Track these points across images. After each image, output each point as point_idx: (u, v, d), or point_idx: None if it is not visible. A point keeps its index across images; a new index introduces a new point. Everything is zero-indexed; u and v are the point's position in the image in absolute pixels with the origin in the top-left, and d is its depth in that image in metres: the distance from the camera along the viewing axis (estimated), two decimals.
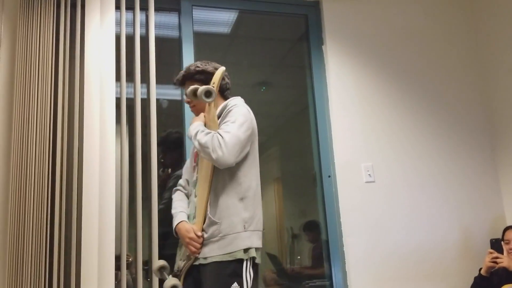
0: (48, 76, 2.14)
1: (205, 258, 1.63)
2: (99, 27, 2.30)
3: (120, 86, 2.35)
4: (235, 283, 1.56)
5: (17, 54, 2.14)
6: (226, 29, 3.00)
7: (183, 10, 2.65)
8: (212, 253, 1.63)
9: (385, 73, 2.90)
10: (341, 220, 2.61)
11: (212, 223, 1.66)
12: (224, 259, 1.60)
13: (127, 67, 2.35)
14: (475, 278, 2.50)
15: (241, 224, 1.64)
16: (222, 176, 1.72)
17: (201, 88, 1.69)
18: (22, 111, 2.09)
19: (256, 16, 3.02)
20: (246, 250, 1.62)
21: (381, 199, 2.69)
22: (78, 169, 2.12)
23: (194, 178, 1.81)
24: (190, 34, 2.62)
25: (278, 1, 2.85)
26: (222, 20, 2.93)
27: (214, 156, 1.64)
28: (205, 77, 1.84)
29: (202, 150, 1.67)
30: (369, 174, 2.69)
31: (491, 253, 2.43)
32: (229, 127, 1.70)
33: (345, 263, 2.56)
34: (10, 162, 2.07)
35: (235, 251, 1.61)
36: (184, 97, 1.91)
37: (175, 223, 1.75)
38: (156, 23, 2.53)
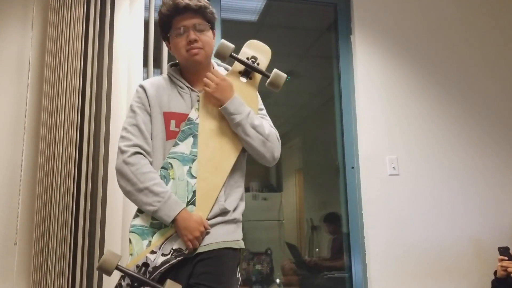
0: (78, 60, 2.17)
1: (206, 244, 1.35)
2: (128, 12, 2.32)
3: (147, 72, 2.38)
4: (238, 273, 1.41)
5: (48, 39, 2.18)
6: (253, 17, 2.99)
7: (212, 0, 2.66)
8: (218, 238, 1.37)
9: (414, 65, 2.84)
10: (362, 212, 2.59)
11: (223, 212, 1.40)
12: (232, 246, 1.39)
13: (154, 53, 2.37)
14: (492, 281, 2.44)
15: (241, 212, 1.46)
16: (242, 159, 1.50)
17: (281, 75, 1.46)
18: (51, 95, 2.12)
19: (284, 4, 3.00)
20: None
21: (404, 192, 2.65)
22: (104, 155, 2.15)
23: (182, 151, 1.40)
24: (217, 21, 2.63)
25: None
26: (250, 7, 2.92)
27: (276, 155, 1.45)
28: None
29: (261, 142, 1.41)
30: (393, 167, 2.66)
31: (501, 260, 2.30)
32: (268, 120, 1.52)
33: (365, 256, 2.55)
34: (38, 145, 2.12)
35: (239, 239, 1.43)
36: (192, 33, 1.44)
37: (173, 207, 1.32)
38: None
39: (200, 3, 1.46)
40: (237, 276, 1.39)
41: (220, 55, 1.47)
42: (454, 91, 2.87)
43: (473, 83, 2.91)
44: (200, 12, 1.46)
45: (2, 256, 2.07)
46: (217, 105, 1.43)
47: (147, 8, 2.42)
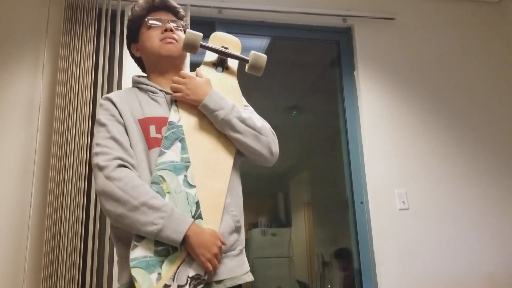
0: (87, 103, 2.21)
1: (220, 281, 1.13)
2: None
3: None
4: None
5: (58, 82, 2.23)
6: None
7: None
8: (233, 272, 1.16)
9: (418, 100, 2.86)
10: (374, 248, 2.54)
11: (237, 229, 1.20)
12: (246, 280, 1.19)
13: None
14: None
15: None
16: (237, 164, 1.31)
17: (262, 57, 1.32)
18: (61, 138, 2.15)
19: (288, 42, 3.06)
20: None
21: (415, 227, 2.61)
22: None
23: (171, 159, 1.18)
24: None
25: (310, 27, 2.88)
26: (254, 46, 2.98)
27: (274, 150, 1.28)
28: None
29: (254, 137, 1.24)
30: (402, 201, 2.63)
31: None
32: (257, 116, 1.36)
33: None
34: (47, 188, 2.13)
35: (248, 271, 1.23)
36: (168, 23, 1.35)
37: (181, 221, 1.09)
38: None
39: (174, 3, 1.40)
40: None
41: (189, 46, 1.30)
42: (459, 123, 2.87)
43: (477, 114, 2.91)
44: (175, 11, 1.40)
45: None
46: (195, 105, 1.26)
47: None
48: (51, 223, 2.05)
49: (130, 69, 2.34)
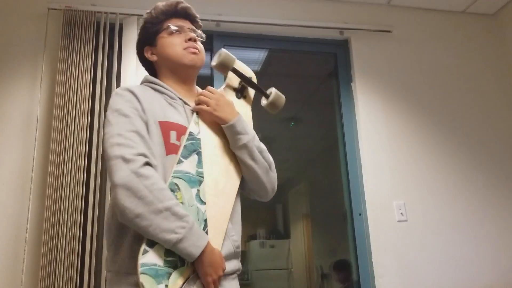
0: (85, 117, 2.21)
1: None
2: (135, 67, 2.39)
3: None
4: None
5: (56, 96, 2.23)
6: (256, 67, 3.06)
7: (215, 50, 2.73)
8: None
9: (415, 111, 2.87)
10: (373, 260, 2.53)
11: (236, 254, 1.18)
12: None
13: None
14: None
15: None
16: (239, 192, 1.27)
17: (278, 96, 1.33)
18: (58, 151, 2.15)
19: (285, 54, 3.08)
20: None
21: (414, 239, 2.60)
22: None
23: (187, 170, 1.14)
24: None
25: (307, 40, 2.90)
26: (252, 58, 3.00)
27: (275, 187, 1.29)
28: None
29: (265, 170, 1.23)
30: (401, 213, 2.62)
31: None
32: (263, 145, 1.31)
33: None
34: (45, 201, 2.12)
35: None
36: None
37: (201, 236, 1.06)
38: None
39: (195, 12, 1.37)
40: None
41: (223, 66, 1.30)
42: (456, 134, 2.88)
43: (475, 125, 2.92)
44: (195, 20, 1.37)
45: None
46: (216, 122, 1.23)
47: None
48: (48, 236, 2.03)
49: (128, 82, 2.34)
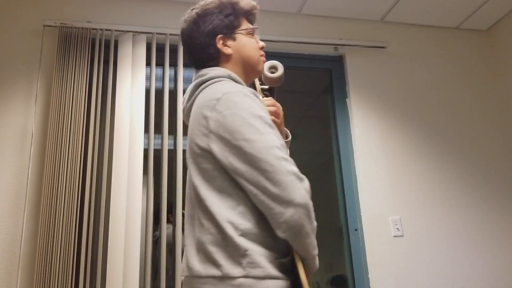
0: (80, 128, 2.22)
1: None
2: (130, 82, 2.40)
3: (148, 138, 2.41)
4: None
5: (51, 112, 2.24)
6: None
7: None
8: None
9: (411, 126, 2.88)
10: (369, 276, 2.51)
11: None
12: None
13: (155, 119, 2.42)
14: None
15: None
16: None
17: None
18: (53, 167, 2.15)
19: None
20: None
21: (410, 254, 2.59)
22: (105, 217, 2.15)
23: None
24: None
25: (302, 56, 2.92)
26: None
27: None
28: None
29: (309, 216, 1.07)
30: (397, 228, 2.61)
31: None
32: None
33: None
34: (39, 217, 2.10)
35: None
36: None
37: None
38: (184, 77, 2.62)
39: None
40: None
41: (280, 81, 1.32)
42: (451, 149, 2.89)
43: (469, 140, 2.94)
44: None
45: None
46: None
47: (148, 78, 2.50)
48: (42, 254, 2.01)
49: (123, 99, 2.34)
